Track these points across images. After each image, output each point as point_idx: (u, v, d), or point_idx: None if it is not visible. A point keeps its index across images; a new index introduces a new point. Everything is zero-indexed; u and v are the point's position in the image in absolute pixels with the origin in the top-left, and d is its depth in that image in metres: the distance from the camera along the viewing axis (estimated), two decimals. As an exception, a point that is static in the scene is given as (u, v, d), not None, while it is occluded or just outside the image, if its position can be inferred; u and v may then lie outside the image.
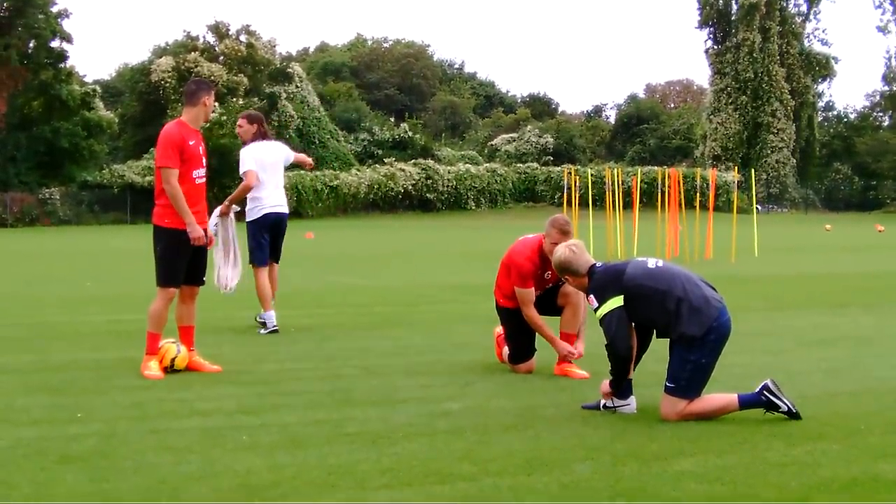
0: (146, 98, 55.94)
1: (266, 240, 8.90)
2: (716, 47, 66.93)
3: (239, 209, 8.48)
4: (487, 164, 61.35)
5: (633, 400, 5.50)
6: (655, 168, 45.46)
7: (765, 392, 5.22)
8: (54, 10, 47.92)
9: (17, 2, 45.86)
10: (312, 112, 59.55)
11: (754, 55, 63.93)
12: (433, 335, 8.72)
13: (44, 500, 3.88)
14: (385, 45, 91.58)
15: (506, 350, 7.01)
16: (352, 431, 4.97)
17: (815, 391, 6.08)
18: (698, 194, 24.64)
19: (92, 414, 5.34)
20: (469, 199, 57.18)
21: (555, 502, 3.90)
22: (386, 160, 57.73)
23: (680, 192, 20.85)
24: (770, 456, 4.55)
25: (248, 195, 8.75)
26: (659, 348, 5.64)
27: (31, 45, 47.41)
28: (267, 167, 8.84)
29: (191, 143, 6.68)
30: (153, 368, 6.53)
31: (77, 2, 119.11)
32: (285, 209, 9.10)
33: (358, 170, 55.31)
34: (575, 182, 23.74)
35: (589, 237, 19.64)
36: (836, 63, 69.81)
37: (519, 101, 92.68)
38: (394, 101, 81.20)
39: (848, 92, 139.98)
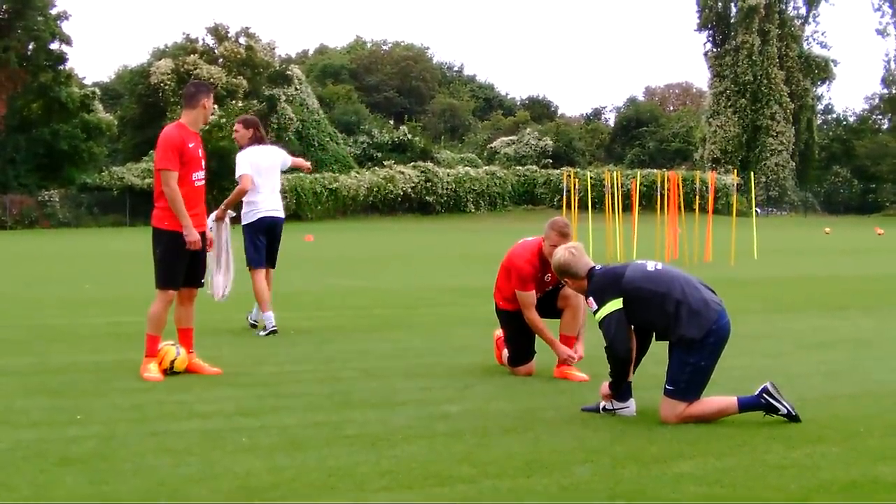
0: (145, 100, 55.94)
1: (262, 242, 8.92)
2: (715, 50, 66.94)
3: (234, 214, 8.51)
4: (487, 167, 61.30)
5: (632, 402, 5.50)
6: (655, 171, 45.37)
7: (764, 395, 5.22)
8: (53, 12, 47.95)
9: (17, 4, 45.89)
10: (312, 114, 59.55)
11: (753, 58, 63.93)
12: (432, 338, 8.72)
13: (43, 501, 3.88)
14: (384, 47, 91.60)
15: (505, 353, 7.01)
16: (351, 434, 4.97)
17: (815, 394, 6.08)
18: (697, 197, 24.61)
19: (91, 416, 5.34)
20: (468, 201, 57.16)
21: (554, 505, 3.90)
22: (385, 163, 57.71)
23: (679, 195, 20.85)
24: (769, 458, 4.55)
25: (243, 199, 8.78)
26: (658, 351, 5.64)
27: (31, 47, 47.44)
28: (262, 171, 8.87)
29: (190, 145, 6.69)
30: (153, 371, 6.53)
31: (76, 4, 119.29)
32: (281, 213, 9.11)
33: (357, 172, 55.31)
34: (574, 185, 23.74)
35: (588, 240, 19.64)
36: (835, 66, 69.87)
37: (518, 103, 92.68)
38: (393, 104, 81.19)
39: (847, 95, 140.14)
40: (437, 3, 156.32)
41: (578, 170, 50.32)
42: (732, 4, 66.50)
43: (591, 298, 5.47)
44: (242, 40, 59.41)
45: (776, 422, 5.21)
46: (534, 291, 6.72)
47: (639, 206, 22.25)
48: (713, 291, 5.50)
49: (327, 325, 9.53)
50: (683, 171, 47.25)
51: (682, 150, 74.36)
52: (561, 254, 5.65)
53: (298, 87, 59.88)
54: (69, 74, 49.43)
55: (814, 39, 71.06)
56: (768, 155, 64.27)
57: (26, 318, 10.15)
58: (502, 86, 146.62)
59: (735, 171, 51.86)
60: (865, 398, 6.01)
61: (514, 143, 70.89)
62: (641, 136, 77.79)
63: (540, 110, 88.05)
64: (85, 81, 57.12)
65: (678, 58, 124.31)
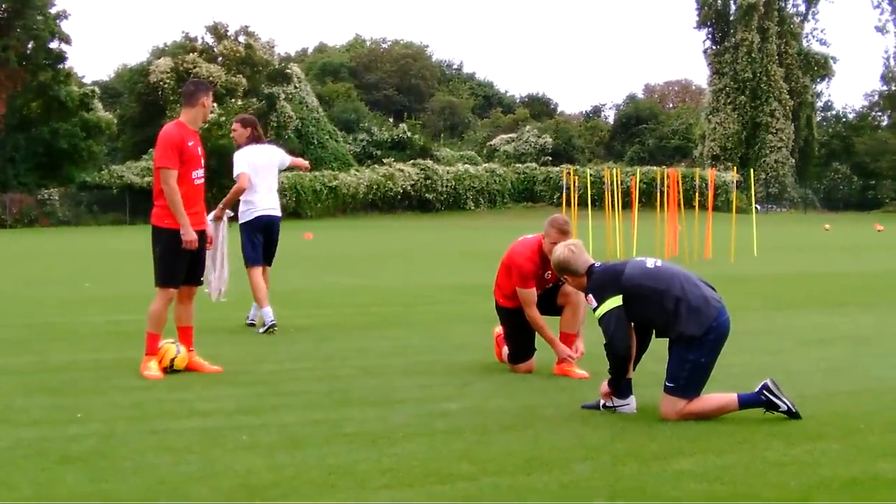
0: (145, 99, 55.89)
1: (259, 240, 8.95)
2: (714, 47, 66.90)
3: (232, 214, 8.52)
4: (486, 165, 61.30)
5: (632, 399, 5.50)
6: (654, 168, 45.41)
7: (764, 391, 5.23)
8: (53, 11, 47.94)
9: (16, 3, 45.86)
10: (311, 113, 59.50)
11: (753, 55, 63.91)
12: (432, 335, 8.72)
13: (44, 500, 3.88)
14: (384, 45, 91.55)
15: (505, 350, 7.01)
16: (350, 431, 4.97)
17: (815, 390, 6.09)
18: (697, 194, 24.58)
19: (91, 414, 5.34)
20: (468, 199, 57.16)
21: (554, 502, 3.90)
22: (385, 160, 57.69)
23: (679, 192, 20.83)
24: (769, 455, 4.55)
25: (241, 198, 8.82)
26: (658, 348, 5.64)
27: (30, 46, 47.44)
28: (259, 170, 8.88)
29: (190, 143, 6.69)
30: (153, 369, 6.53)
31: (76, 3, 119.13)
32: (278, 212, 9.13)
33: (357, 170, 55.29)
34: (574, 182, 23.72)
35: (588, 237, 19.65)
36: (834, 63, 69.76)
37: (518, 101, 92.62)
38: (392, 102, 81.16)
39: (846, 92, 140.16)
40: (436, 1, 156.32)
41: (578, 167, 50.35)
42: (732, 2, 66.47)
43: (590, 295, 5.47)
44: (242, 39, 59.36)
45: (776, 419, 5.22)
46: (534, 289, 6.72)
47: (638, 203, 22.25)
48: (713, 288, 5.50)
49: (326, 323, 9.53)
50: (683, 168, 47.31)
51: (681, 147, 74.34)
52: (561, 251, 5.64)
53: (298, 85, 59.82)
54: (69, 73, 49.43)
55: (813, 36, 71.08)
56: (768, 152, 64.26)
57: (26, 316, 10.15)
58: (502, 83, 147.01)
59: (735, 167, 51.78)
60: (865, 395, 6.01)
61: (513, 141, 70.90)
62: (641, 133, 77.75)
63: (539, 108, 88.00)
64: (84, 80, 57.20)
65: (678, 55, 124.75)
